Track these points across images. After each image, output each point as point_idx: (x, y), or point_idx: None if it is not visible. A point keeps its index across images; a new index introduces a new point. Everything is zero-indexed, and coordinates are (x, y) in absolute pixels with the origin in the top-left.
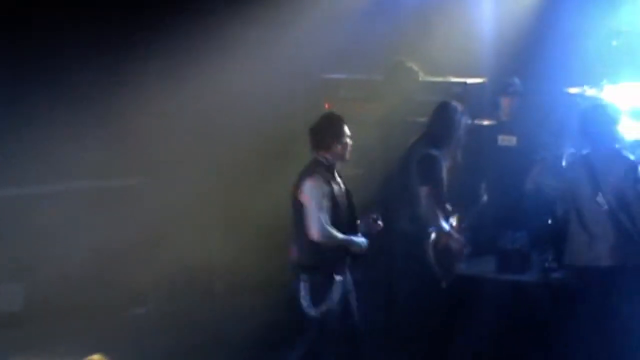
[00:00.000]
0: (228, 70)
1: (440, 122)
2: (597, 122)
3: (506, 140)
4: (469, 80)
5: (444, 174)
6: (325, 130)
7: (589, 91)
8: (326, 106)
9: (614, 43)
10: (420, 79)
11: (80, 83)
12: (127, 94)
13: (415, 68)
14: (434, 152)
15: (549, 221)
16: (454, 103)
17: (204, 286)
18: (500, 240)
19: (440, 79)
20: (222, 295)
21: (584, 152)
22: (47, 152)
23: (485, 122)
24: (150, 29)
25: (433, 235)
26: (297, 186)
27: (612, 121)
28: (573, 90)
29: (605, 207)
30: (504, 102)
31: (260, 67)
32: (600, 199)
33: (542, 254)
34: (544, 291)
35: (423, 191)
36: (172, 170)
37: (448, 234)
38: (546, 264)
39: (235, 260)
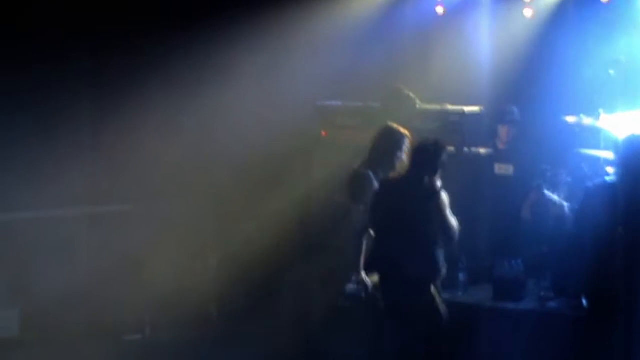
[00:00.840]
0: (224, 98)
1: (378, 145)
2: (633, 154)
3: (503, 169)
4: (466, 109)
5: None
6: None
7: (586, 120)
8: (323, 134)
9: (611, 72)
10: (417, 106)
11: (74, 110)
12: (121, 120)
13: (412, 96)
14: (366, 171)
15: (545, 249)
16: (395, 128)
17: (199, 312)
18: (496, 269)
19: (437, 107)
20: (218, 321)
21: (608, 180)
22: (41, 177)
23: (482, 151)
24: (147, 56)
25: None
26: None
27: None
28: (570, 119)
29: (624, 238)
30: (502, 130)
31: (256, 94)
32: (620, 230)
33: (539, 282)
34: (540, 320)
35: (354, 209)
36: (167, 196)
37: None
38: (542, 293)
39: (231, 286)
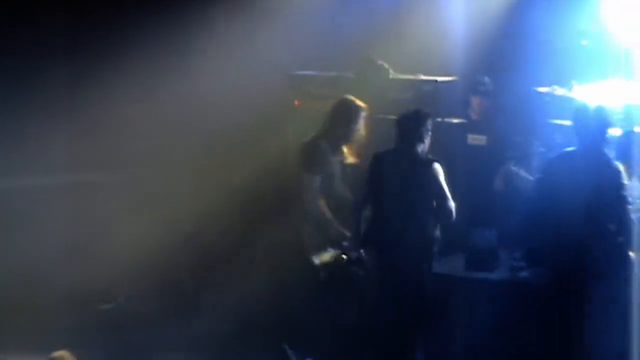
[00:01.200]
0: (196, 67)
1: (333, 117)
2: (589, 121)
3: (476, 139)
4: (440, 79)
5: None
6: None
7: (559, 90)
8: (296, 103)
9: (584, 43)
10: (390, 76)
11: (50, 78)
12: (97, 90)
13: (386, 65)
14: (321, 142)
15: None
16: (351, 99)
17: (172, 282)
18: (469, 239)
19: (410, 77)
20: (190, 291)
21: (568, 149)
22: (16, 146)
23: (455, 121)
24: (121, 24)
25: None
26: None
27: (606, 123)
28: (542, 89)
29: (583, 207)
30: (474, 101)
31: (229, 64)
32: (579, 199)
33: (511, 253)
34: (511, 290)
35: (306, 178)
36: (140, 166)
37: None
38: (514, 263)
39: (204, 256)
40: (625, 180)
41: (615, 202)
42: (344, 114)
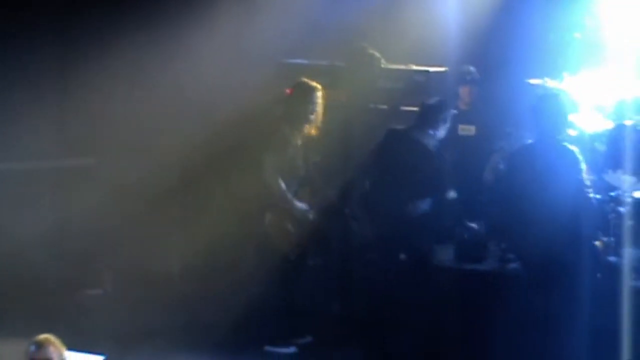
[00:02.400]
0: (186, 55)
1: (290, 100)
2: (545, 111)
3: (465, 129)
4: (432, 69)
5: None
6: None
7: (550, 82)
8: (288, 92)
9: (577, 35)
10: (382, 66)
11: (40, 63)
12: (89, 74)
13: (378, 55)
14: (281, 124)
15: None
16: (306, 81)
17: (160, 269)
18: (458, 230)
19: (402, 67)
20: (178, 279)
21: (528, 142)
22: (6, 130)
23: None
24: (114, 9)
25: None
26: None
27: (562, 112)
28: (534, 81)
29: (543, 200)
30: (463, 91)
31: (219, 52)
32: (538, 192)
33: (499, 244)
34: (500, 281)
35: (268, 161)
36: (130, 152)
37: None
38: (503, 255)
39: (193, 244)
40: (584, 166)
41: (574, 190)
42: (300, 97)
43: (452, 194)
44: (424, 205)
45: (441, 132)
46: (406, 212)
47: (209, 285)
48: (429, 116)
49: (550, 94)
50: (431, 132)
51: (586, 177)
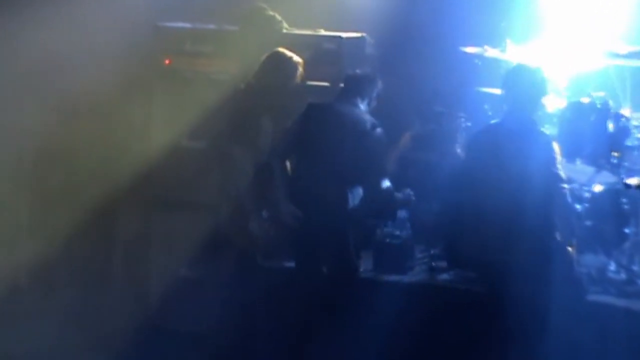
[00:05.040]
0: (44, 18)
1: (262, 75)
2: (518, 86)
3: None
4: (345, 35)
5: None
6: None
7: (490, 51)
8: (166, 62)
9: None
10: (284, 30)
11: None
12: None
13: (278, 17)
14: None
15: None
16: (288, 53)
17: (8, 280)
18: (378, 233)
19: (309, 32)
20: (29, 291)
21: (493, 122)
22: None
23: None
24: None
25: None
26: None
27: (539, 88)
28: (470, 50)
29: (509, 191)
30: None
31: (83, 14)
32: (503, 180)
33: (428, 249)
34: (430, 294)
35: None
36: None
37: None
38: (433, 263)
39: (49, 249)
40: (559, 156)
41: (546, 184)
42: (279, 74)
43: (386, 184)
44: (356, 195)
45: (369, 107)
46: (334, 204)
47: (66, 298)
48: (358, 88)
49: (525, 66)
50: (361, 105)
51: (560, 168)
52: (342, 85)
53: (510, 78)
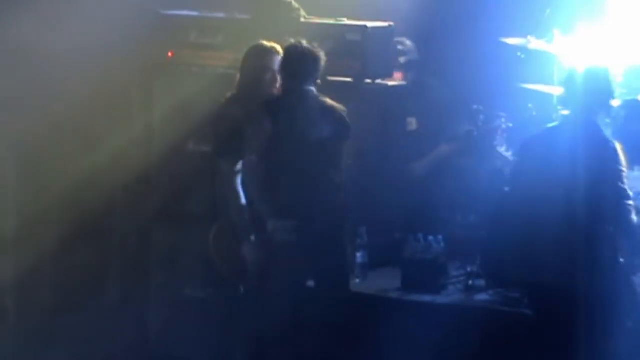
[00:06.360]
0: (36, 9)
1: (245, 71)
2: (584, 86)
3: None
4: (371, 24)
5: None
6: None
7: (535, 43)
8: (170, 55)
9: None
10: (302, 19)
11: None
12: None
13: (296, 4)
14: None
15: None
16: (264, 45)
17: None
18: (407, 247)
19: (330, 21)
20: (14, 315)
21: (551, 125)
22: None
23: (392, 84)
24: None
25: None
26: None
27: (607, 90)
28: (512, 41)
29: (567, 205)
30: (395, 76)
31: (85, 3)
32: (561, 193)
33: (465, 267)
34: (467, 317)
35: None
36: None
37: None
38: (470, 282)
39: (36, 270)
40: (625, 168)
41: (611, 200)
42: (256, 65)
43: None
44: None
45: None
46: (326, 206)
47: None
48: (307, 69)
49: (593, 65)
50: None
51: (627, 182)
52: (283, 67)
53: (575, 77)
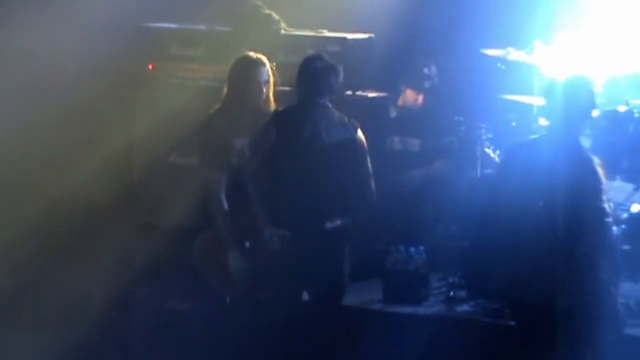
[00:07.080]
0: (22, 18)
1: (232, 82)
2: (564, 97)
3: (405, 143)
4: (351, 36)
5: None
6: None
7: (515, 54)
8: (150, 67)
9: None
10: (282, 31)
11: None
12: None
13: (276, 16)
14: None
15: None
16: (250, 56)
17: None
18: (388, 259)
19: (309, 33)
20: (25, 327)
21: (533, 137)
22: None
23: (372, 95)
24: None
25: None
26: None
27: (588, 102)
28: (492, 52)
29: (547, 219)
30: (411, 95)
31: (62, 15)
32: (542, 207)
33: (446, 278)
34: (448, 328)
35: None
36: None
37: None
38: (451, 293)
39: (42, 281)
40: (604, 186)
41: (590, 217)
42: (243, 76)
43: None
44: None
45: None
46: (326, 218)
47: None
48: (324, 83)
49: (575, 75)
50: (329, 103)
51: (606, 200)
52: (301, 79)
53: (556, 88)
